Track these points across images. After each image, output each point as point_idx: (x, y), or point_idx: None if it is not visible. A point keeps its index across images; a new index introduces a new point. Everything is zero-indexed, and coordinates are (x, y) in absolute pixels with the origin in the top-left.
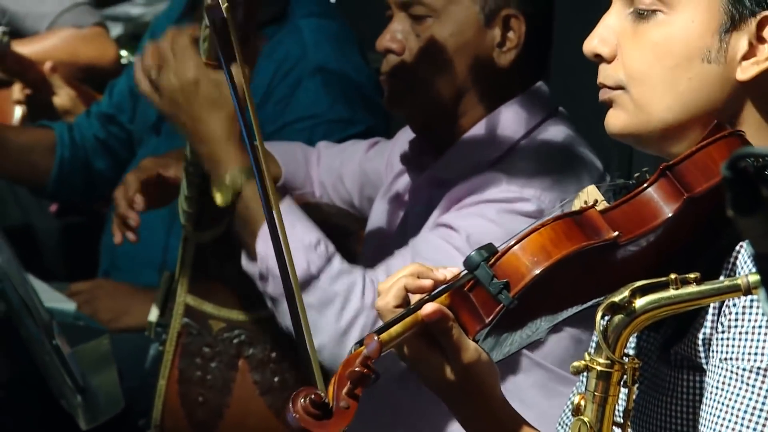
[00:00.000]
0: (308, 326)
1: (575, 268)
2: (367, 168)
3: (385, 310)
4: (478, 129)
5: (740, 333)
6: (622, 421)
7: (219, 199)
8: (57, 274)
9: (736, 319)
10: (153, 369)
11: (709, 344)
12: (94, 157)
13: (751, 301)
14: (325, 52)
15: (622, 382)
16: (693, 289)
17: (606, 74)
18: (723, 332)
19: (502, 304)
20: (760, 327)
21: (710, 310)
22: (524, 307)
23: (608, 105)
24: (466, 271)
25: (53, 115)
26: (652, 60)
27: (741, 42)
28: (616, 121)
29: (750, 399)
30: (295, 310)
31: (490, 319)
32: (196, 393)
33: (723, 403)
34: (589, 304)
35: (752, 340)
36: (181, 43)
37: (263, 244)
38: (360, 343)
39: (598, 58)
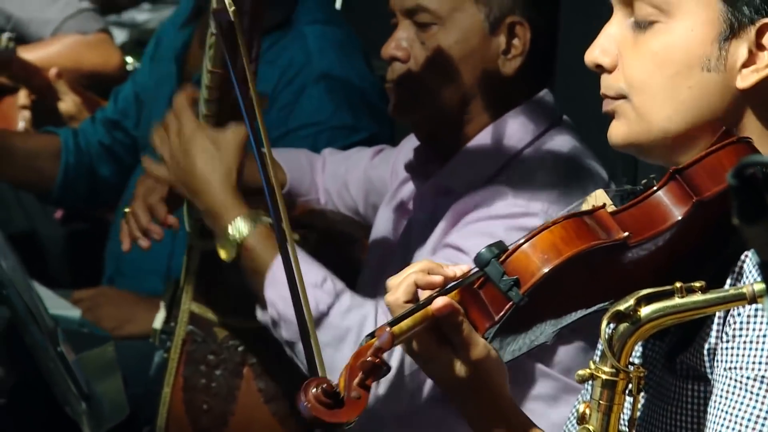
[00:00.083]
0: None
1: (584, 269)
2: (372, 175)
3: (395, 306)
4: (483, 137)
5: (744, 342)
6: (627, 430)
7: (223, 254)
8: (62, 281)
9: (741, 329)
10: (157, 376)
11: (714, 354)
12: (98, 163)
13: (756, 310)
14: (330, 58)
15: (627, 391)
16: (698, 297)
17: (608, 84)
18: (727, 341)
19: (512, 301)
20: (764, 336)
21: (715, 320)
22: (532, 306)
23: (611, 117)
24: (476, 269)
25: (58, 121)
26: (652, 69)
27: (740, 50)
28: (618, 131)
29: (754, 407)
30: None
31: (499, 316)
32: (200, 400)
33: (726, 411)
34: (595, 308)
35: (756, 349)
36: (180, 104)
37: (271, 290)
38: (371, 335)
39: (600, 69)
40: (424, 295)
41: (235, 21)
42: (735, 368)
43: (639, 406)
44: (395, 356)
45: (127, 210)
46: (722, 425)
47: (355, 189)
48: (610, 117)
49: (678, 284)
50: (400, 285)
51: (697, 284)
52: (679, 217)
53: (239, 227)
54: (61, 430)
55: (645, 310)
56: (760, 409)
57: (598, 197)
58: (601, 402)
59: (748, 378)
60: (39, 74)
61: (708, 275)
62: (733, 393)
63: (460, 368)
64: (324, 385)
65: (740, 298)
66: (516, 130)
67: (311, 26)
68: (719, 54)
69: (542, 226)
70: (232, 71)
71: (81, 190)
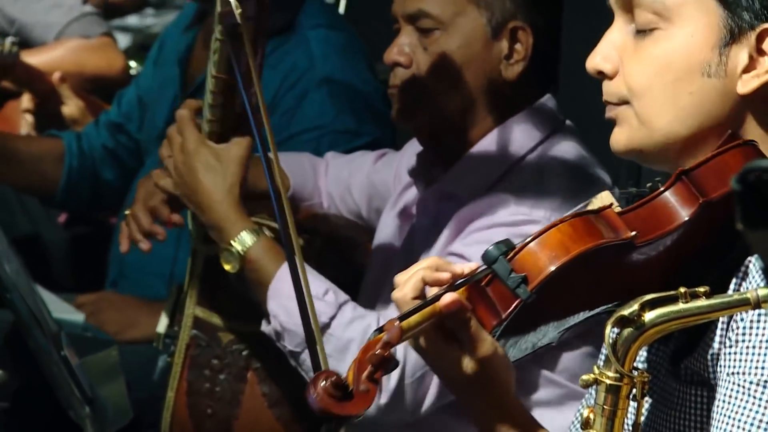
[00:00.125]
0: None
1: (590, 268)
2: (375, 179)
3: (402, 302)
4: (486, 143)
5: (747, 347)
6: None
7: (228, 267)
8: (65, 284)
9: (744, 333)
10: (161, 380)
11: (718, 359)
12: (102, 166)
13: (759, 315)
14: (333, 63)
15: (631, 396)
16: (702, 302)
17: (609, 91)
18: (730, 347)
19: (519, 298)
20: (767, 341)
21: (719, 325)
22: (538, 306)
23: (614, 123)
24: (484, 266)
25: (61, 125)
26: (653, 74)
27: (741, 55)
28: (619, 138)
29: (757, 412)
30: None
31: (506, 313)
32: (204, 405)
33: (729, 416)
34: (600, 310)
35: (759, 354)
36: (182, 118)
37: (273, 302)
38: (379, 330)
39: (601, 75)
40: (431, 291)
41: (242, 23)
42: (738, 373)
43: (643, 411)
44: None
45: (127, 212)
46: (724, 429)
47: (358, 193)
48: (612, 124)
49: (682, 289)
50: (408, 281)
51: (702, 289)
52: (686, 218)
53: (243, 240)
54: None
55: (649, 315)
56: (763, 414)
57: (604, 199)
58: (605, 407)
59: (750, 383)
60: (42, 78)
61: (711, 282)
62: (735, 398)
63: (467, 365)
64: (333, 378)
65: (744, 304)
66: (519, 135)
67: (314, 30)
68: (720, 59)
69: (550, 224)
70: (239, 76)
71: (84, 193)
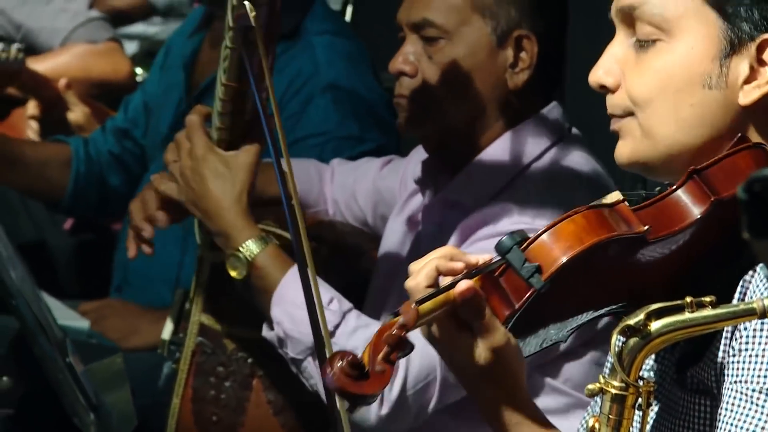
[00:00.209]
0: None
1: (602, 262)
2: (380, 186)
3: (415, 290)
4: (491, 151)
5: (750, 356)
6: None
7: (234, 273)
8: (70, 291)
9: (747, 342)
10: (166, 387)
11: (722, 369)
12: (108, 172)
13: (762, 324)
14: (338, 69)
15: (636, 405)
16: (708, 312)
17: (613, 104)
18: (734, 355)
19: (533, 288)
20: None
21: (725, 334)
22: (549, 299)
23: (618, 136)
24: (497, 257)
25: (67, 131)
26: (654, 87)
27: (742, 66)
28: (623, 150)
29: (759, 419)
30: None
31: (520, 303)
32: (209, 412)
33: (732, 424)
34: (605, 311)
35: (762, 363)
36: (192, 123)
37: (277, 309)
38: (394, 314)
39: (604, 89)
40: (444, 281)
41: (257, 26)
42: (741, 381)
43: (648, 419)
44: (398, 376)
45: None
46: None
47: (363, 200)
48: (617, 137)
49: (688, 299)
50: (421, 270)
51: (708, 299)
52: (698, 215)
53: (250, 247)
54: None
55: (655, 325)
56: (766, 421)
57: (615, 197)
58: (610, 416)
59: (753, 391)
60: (48, 85)
61: (719, 286)
62: (739, 406)
63: (479, 355)
64: (349, 357)
65: (751, 313)
66: (524, 144)
67: (320, 37)
68: (720, 71)
69: (564, 215)
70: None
71: (91, 199)
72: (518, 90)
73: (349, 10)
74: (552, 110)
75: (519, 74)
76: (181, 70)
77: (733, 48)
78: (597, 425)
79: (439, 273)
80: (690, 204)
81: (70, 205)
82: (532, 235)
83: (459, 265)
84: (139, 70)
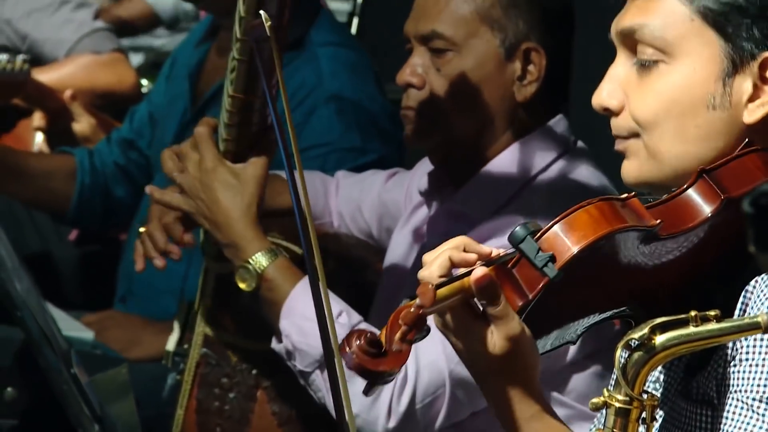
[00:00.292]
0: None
1: (614, 256)
2: (386, 199)
3: (429, 280)
4: (497, 163)
5: (750, 365)
6: None
7: (243, 285)
8: (75, 302)
9: (747, 352)
10: (171, 398)
11: (723, 379)
12: (113, 183)
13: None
14: (341, 80)
15: (640, 419)
16: (713, 326)
17: (618, 126)
18: (734, 365)
19: (547, 277)
20: None
21: (729, 344)
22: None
23: (623, 155)
24: (511, 250)
25: (73, 142)
26: (659, 109)
27: (745, 85)
28: (630, 169)
29: (760, 428)
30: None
31: (533, 294)
32: (214, 423)
33: None
34: (611, 313)
35: (761, 372)
36: (201, 135)
37: (286, 321)
38: (410, 297)
39: (608, 112)
40: (457, 273)
41: (272, 37)
42: (741, 390)
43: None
44: (407, 389)
45: (142, 230)
46: None
47: (368, 212)
48: (623, 156)
49: (693, 313)
50: (435, 260)
51: (712, 313)
52: (709, 213)
53: (260, 260)
54: None
55: (659, 339)
56: (766, 430)
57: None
58: (614, 430)
59: (753, 399)
60: (53, 96)
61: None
62: (739, 414)
63: (494, 344)
64: (367, 335)
65: (755, 327)
66: (530, 156)
67: (324, 48)
68: (724, 91)
69: (577, 206)
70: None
71: (96, 210)
72: (526, 102)
73: (355, 21)
74: (558, 123)
75: (527, 87)
76: (186, 80)
77: (735, 67)
78: None
79: (453, 264)
80: (701, 202)
81: (76, 216)
82: (546, 226)
83: (472, 256)
84: (144, 82)
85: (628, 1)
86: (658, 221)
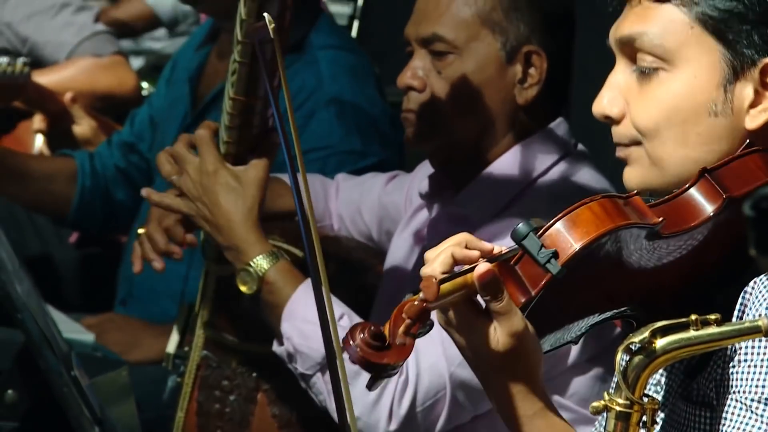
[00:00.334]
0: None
1: (616, 254)
2: (386, 201)
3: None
4: (498, 166)
5: (749, 366)
6: None
7: (244, 288)
8: (76, 304)
9: (746, 353)
10: (171, 401)
11: (721, 380)
12: (114, 186)
13: None
14: (341, 83)
15: (641, 423)
16: (714, 330)
17: (620, 134)
18: (733, 367)
19: (550, 273)
20: None
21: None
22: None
23: (625, 162)
24: (514, 247)
25: (74, 145)
26: (660, 117)
27: (746, 91)
28: (632, 176)
29: (759, 429)
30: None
31: (536, 290)
32: (214, 426)
33: None
34: (612, 314)
35: (760, 373)
36: (202, 138)
37: (287, 324)
38: (414, 292)
39: (609, 120)
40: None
41: (275, 39)
42: (740, 392)
43: None
44: (408, 392)
45: (140, 231)
46: None
47: (368, 215)
48: (624, 163)
49: (693, 316)
50: (437, 257)
51: (713, 317)
52: (711, 212)
53: (261, 263)
54: None
55: (660, 342)
56: (765, 431)
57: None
58: None
59: (752, 400)
60: (54, 99)
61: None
62: (738, 415)
63: (497, 340)
64: (371, 328)
65: (756, 331)
66: (530, 159)
67: (324, 51)
68: (725, 97)
69: (579, 203)
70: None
71: (97, 213)
72: (527, 105)
73: (356, 24)
74: (559, 125)
75: (528, 90)
76: (187, 83)
77: (736, 74)
78: None
79: (455, 260)
80: (703, 201)
81: (76, 219)
82: (548, 222)
83: (475, 253)
84: (145, 84)
85: (626, 8)
86: (661, 219)
